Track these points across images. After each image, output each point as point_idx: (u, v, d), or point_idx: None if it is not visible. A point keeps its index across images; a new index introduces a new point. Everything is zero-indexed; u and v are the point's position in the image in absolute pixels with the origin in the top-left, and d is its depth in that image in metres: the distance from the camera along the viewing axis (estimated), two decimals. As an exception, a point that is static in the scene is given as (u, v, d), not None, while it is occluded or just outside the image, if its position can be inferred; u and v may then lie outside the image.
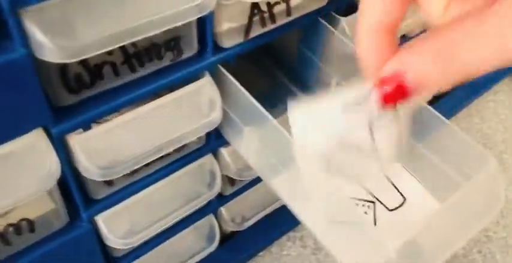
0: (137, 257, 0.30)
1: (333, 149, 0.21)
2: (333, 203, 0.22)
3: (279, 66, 0.32)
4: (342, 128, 0.20)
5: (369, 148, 0.21)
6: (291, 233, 0.39)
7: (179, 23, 0.19)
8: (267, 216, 0.35)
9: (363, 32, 0.18)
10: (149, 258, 0.30)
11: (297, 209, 0.23)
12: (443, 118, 0.23)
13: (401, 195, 0.25)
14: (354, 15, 0.27)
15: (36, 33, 0.16)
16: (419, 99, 0.18)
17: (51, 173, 0.20)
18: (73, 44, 0.17)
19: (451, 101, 0.47)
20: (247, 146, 0.25)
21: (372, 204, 0.24)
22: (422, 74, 0.16)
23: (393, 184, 0.25)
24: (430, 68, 0.16)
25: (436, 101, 0.46)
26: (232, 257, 0.35)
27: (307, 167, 0.22)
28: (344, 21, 0.27)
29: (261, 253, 0.37)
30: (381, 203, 0.24)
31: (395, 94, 0.17)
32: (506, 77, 0.52)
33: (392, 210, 0.24)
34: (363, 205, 0.24)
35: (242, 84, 0.24)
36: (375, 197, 0.25)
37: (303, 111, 0.21)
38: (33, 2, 0.16)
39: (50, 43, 0.16)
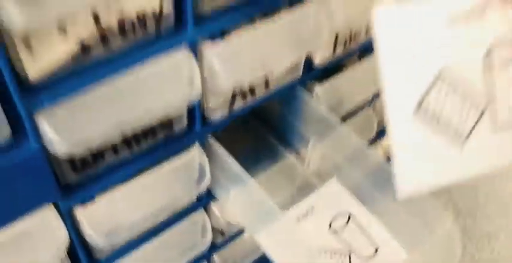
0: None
1: (430, 82, 0.14)
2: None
3: (263, 125, 0.35)
4: (446, 51, 0.13)
5: (481, 93, 0.13)
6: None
7: (173, 110, 0.22)
8: (255, 261, 0.37)
9: None
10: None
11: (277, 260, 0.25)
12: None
13: (374, 245, 0.27)
14: (327, 81, 0.30)
15: (48, 132, 0.19)
16: None
17: (60, 245, 0.23)
18: (80, 138, 0.20)
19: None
20: (233, 205, 0.28)
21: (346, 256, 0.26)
22: None
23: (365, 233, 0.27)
24: None
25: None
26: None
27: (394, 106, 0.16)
28: (318, 87, 0.30)
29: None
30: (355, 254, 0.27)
31: None
32: None
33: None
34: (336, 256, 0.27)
35: (229, 141, 0.27)
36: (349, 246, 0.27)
37: (394, 18, 0.15)
38: (45, 106, 0.19)
39: (59, 141, 0.19)
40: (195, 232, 0.31)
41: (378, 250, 0.26)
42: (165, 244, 0.29)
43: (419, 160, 0.18)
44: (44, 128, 0.19)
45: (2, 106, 0.18)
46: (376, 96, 0.35)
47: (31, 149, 0.19)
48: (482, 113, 0.15)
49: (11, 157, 0.19)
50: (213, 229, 0.31)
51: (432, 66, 0.13)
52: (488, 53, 0.12)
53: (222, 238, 0.34)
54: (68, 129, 0.19)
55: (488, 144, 0.17)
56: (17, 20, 0.16)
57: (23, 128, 0.19)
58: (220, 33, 0.23)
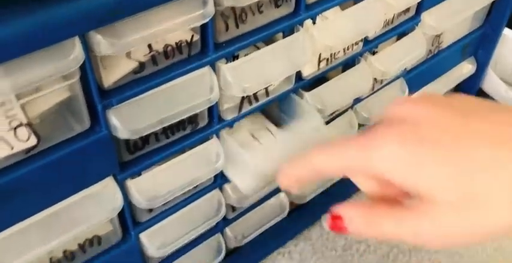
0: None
1: None
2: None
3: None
4: None
5: None
6: (280, 249, 0.49)
7: (197, 111, 0.31)
8: (260, 235, 0.46)
9: None
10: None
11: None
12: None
13: None
14: (314, 90, 0.39)
15: (115, 122, 0.28)
16: None
17: (116, 206, 0.31)
18: (136, 128, 0.28)
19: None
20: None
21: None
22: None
23: None
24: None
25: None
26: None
27: None
28: (307, 95, 0.38)
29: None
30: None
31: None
32: None
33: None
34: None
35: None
36: None
37: None
38: (117, 103, 0.28)
39: (122, 129, 0.28)
40: (211, 206, 0.39)
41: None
42: (188, 215, 0.38)
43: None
44: (112, 120, 0.28)
45: (86, 104, 0.27)
46: (357, 100, 0.44)
47: (103, 134, 0.28)
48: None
49: (89, 140, 0.28)
50: (226, 205, 0.40)
51: None
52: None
53: (233, 214, 0.42)
54: (128, 121, 0.28)
55: None
56: (103, 48, 0.25)
57: (97, 120, 0.28)
58: (232, 56, 0.32)
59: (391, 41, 0.44)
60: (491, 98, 0.63)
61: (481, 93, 0.63)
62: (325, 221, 0.28)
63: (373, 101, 0.46)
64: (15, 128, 0.25)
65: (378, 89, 0.46)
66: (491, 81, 0.61)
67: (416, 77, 0.50)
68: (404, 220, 0.25)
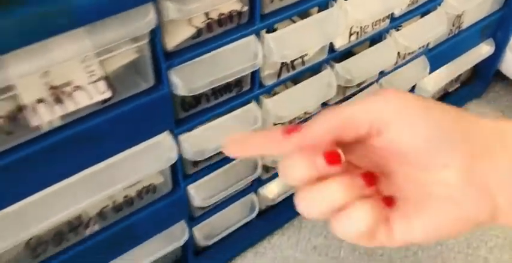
0: (205, 219, 0.45)
1: None
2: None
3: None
4: None
5: None
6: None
7: (243, 74, 0.35)
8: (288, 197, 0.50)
9: None
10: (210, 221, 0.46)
11: None
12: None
13: None
14: (344, 62, 0.43)
15: (176, 81, 0.32)
16: None
17: (172, 157, 0.36)
18: (193, 86, 0.33)
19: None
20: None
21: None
22: None
23: None
24: None
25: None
26: (268, 226, 0.51)
27: None
28: (338, 66, 0.42)
29: (286, 224, 0.52)
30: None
31: None
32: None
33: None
34: None
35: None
36: None
37: None
38: (178, 64, 0.32)
39: (181, 87, 0.32)
40: (248, 166, 0.44)
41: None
42: (228, 172, 0.42)
43: None
44: (173, 79, 0.32)
45: (152, 65, 0.32)
46: (382, 74, 0.48)
47: (164, 91, 0.33)
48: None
49: (153, 96, 0.32)
50: (262, 166, 0.44)
51: None
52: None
53: (267, 175, 0.46)
54: (186, 80, 0.33)
55: None
56: (171, 13, 0.29)
57: (161, 78, 0.32)
58: (273, 29, 0.36)
59: (414, 19, 0.48)
60: (508, 79, 0.66)
61: (499, 74, 0.66)
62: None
63: (396, 75, 0.50)
64: (94, 82, 0.30)
65: (402, 65, 0.50)
66: (508, 63, 0.64)
67: (437, 56, 0.53)
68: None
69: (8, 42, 0.24)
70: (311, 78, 0.41)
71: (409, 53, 0.49)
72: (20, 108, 0.28)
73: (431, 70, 0.53)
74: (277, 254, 0.50)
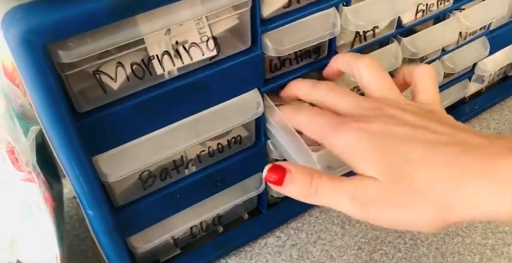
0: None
1: None
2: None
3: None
4: None
5: None
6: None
7: (322, 40, 0.41)
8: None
9: None
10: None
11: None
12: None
13: None
14: (410, 36, 0.48)
15: (268, 43, 0.39)
16: None
17: (258, 112, 0.42)
18: (281, 48, 0.39)
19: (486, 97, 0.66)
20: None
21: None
22: None
23: None
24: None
25: (475, 96, 0.65)
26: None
27: None
28: (405, 40, 0.47)
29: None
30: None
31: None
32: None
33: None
34: None
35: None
36: None
37: None
38: (270, 30, 0.39)
39: (272, 48, 0.39)
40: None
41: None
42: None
43: None
44: (266, 42, 0.39)
45: (250, 31, 0.38)
46: (444, 52, 0.52)
47: (258, 53, 0.39)
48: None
49: (249, 56, 0.39)
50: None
51: None
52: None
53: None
54: (276, 43, 0.39)
55: None
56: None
57: (256, 41, 0.39)
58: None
59: (477, 1, 0.52)
60: None
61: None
62: (266, 169, 0.33)
63: (457, 54, 0.54)
64: (205, 41, 0.37)
65: (463, 44, 0.54)
66: None
67: (498, 37, 0.57)
68: (341, 187, 0.31)
69: (146, 3, 0.31)
70: (380, 49, 0.46)
71: (470, 34, 0.54)
72: (149, 59, 0.35)
73: (491, 51, 0.57)
74: (340, 213, 0.56)
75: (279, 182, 0.32)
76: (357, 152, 0.31)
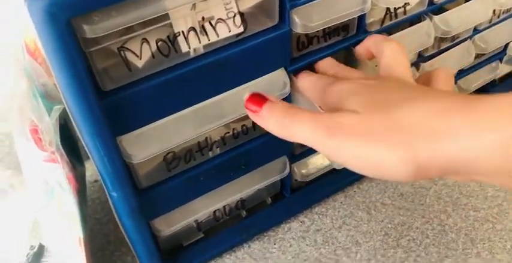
0: (304, 157, 0.50)
1: None
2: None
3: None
4: None
5: None
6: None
7: (352, 17, 0.39)
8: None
9: None
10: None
11: None
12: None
13: None
14: (441, 14, 0.46)
15: (296, 19, 0.37)
16: None
17: (285, 92, 0.41)
18: (310, 25, 0.38)
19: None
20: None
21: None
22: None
23: None
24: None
25: (506, 79, 0.63)
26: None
27: None
28: (436, 18, 0.45)
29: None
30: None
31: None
32: None
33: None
34: None
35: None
36: None
37: None
38: (299, 5, 0.37)
39: (300, 25, 0.37)
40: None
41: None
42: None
43: None
44: (294, 18, 0.37)
45: (278, 7, 0.37)
46: (476, 31, 0.50)
47: (286, 30, 0.38)
48: None
49: (276, 33, 0.37)
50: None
51: None
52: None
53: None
54: (304, 20, 0.37)
55: None
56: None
57: (283, 18, 0.37)
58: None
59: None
60: None
61: None
62: (247, 94, 0.34)
63: (490, 33, 0.52)
64: (232, 17, 0.35)
65: (496, 22, 0.52)
66: None
67: (532, 16, 0.55)
68: (319, 117, 0.30)
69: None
70: (413, 26, 0.44)
71: (504, 11, 0.51)
72: (175, 36, 0.34)
73: (524, 32, 0.55)
74: (366, 198, 0.54)
75: (258, 109, 0.33)
76: (345, 95, 0.32)
